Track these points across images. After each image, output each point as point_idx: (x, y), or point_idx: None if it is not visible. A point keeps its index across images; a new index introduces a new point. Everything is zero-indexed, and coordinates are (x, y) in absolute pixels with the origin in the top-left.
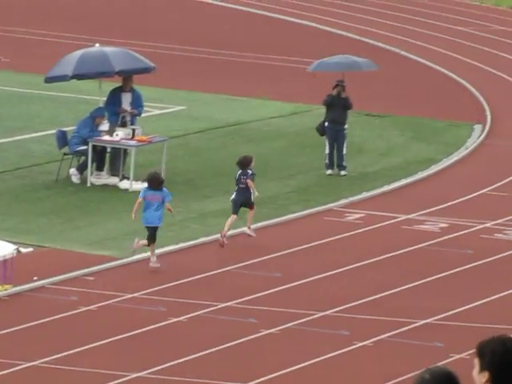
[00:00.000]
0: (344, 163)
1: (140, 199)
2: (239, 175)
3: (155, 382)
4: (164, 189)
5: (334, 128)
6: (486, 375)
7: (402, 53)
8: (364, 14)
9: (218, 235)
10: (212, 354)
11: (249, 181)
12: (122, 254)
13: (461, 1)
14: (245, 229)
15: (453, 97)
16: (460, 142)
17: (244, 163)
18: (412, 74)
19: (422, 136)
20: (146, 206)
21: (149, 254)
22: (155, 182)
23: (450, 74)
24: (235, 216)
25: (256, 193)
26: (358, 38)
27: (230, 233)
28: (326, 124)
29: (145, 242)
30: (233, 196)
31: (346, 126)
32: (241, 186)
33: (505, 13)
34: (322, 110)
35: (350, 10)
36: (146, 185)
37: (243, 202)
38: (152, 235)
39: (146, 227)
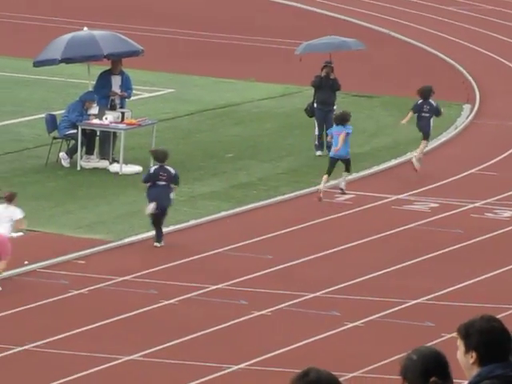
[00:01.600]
0: None
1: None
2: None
3: (147, 365)
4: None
5: (322, 109)
6: (473, 355)
7: (392, 33)
8: None
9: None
10: (204, 336)
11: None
12: (112, 237)
13: None
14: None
15: (442, 77)
16: (449, 121)
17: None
18: (401, 54)
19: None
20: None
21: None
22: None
23: (440, 55)
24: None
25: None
26: (345, 18)
27: (223, 214)
28: (315, 105)
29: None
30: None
31: (334, 107)
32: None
33: None
34: (312, 91)
35: None
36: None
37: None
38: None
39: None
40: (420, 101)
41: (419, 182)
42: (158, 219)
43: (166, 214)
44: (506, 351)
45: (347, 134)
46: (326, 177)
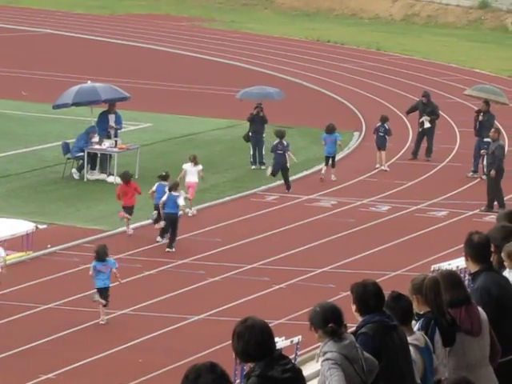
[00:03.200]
0: (263, 160)
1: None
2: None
3: (136, 317)
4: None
5: (255, 136)
6: (354, 306)
7: (304, 83)
8: (274, 55)
9: None
10: (176, 295)
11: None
12: (110, 227)
13: (349, 46)
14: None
15: (339, 113)
16: (344, 144)
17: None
18: (310, 98)
19: (318, 141)
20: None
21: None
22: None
23: (337, 97)
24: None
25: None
26: (270, 72)
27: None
28: (250, 134)
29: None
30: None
31: (264, 135)
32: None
33: (369, 52)
34: (247, 124)
35: (264, 53)
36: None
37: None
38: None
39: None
40: (277, 141)
41: (324, 186)
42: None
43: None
44: (379, 305)
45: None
46: (324, 167)
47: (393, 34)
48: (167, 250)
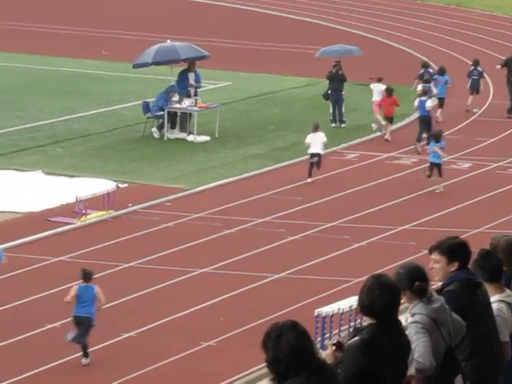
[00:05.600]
0: (343, 118)
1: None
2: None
3: (217, 275)
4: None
5: (334, 94)
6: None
7: (382, 40)
8: (351, 12)
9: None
10: (256, 254)
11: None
12: (189, 186)
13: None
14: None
15: (417, 70)
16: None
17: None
18: (389, 55)
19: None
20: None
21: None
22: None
23: (416, 54)
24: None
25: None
26: (348, 29)
27: (266, 169)
28: (329, 92)
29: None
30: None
31: (343, 93)
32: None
33: (449, 9)
34: (326, 82)
35: (342, 11)
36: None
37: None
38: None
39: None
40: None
41: (404, 143)
42: None
43: None
44: (465, 262)
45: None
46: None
47: None
48: None
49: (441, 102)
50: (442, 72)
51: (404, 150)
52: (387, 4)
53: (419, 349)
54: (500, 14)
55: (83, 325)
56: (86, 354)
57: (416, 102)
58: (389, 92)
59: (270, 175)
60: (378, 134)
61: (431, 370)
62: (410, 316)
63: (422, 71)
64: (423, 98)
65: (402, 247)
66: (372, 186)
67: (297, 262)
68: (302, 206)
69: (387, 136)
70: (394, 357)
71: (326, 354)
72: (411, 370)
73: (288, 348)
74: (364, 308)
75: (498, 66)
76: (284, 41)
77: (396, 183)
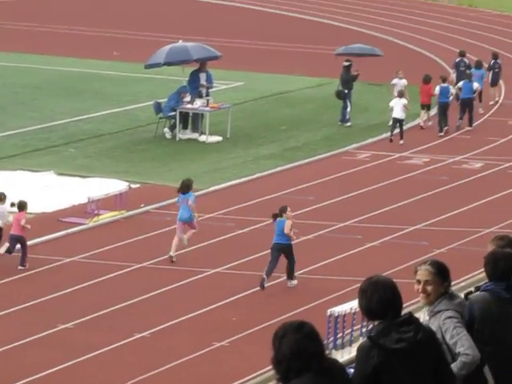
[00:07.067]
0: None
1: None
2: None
3: (228, 275)
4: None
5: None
6: None
7: (395, 41)
8: (364, 13)
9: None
10: (264, 254)
11: None
12: (201, 187)
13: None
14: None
15: (430, 70)
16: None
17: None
18: (402, 55)
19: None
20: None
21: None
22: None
23: (429, 54)
24: None
25: None
26: (361, 30)
27: (279, 169)
28: (346, 90)
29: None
30: None
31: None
32: None
33: (460, 9)
34: (338, 81)
35: (354, 11)
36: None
37: None
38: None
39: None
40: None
41: (416, 143)
42: None
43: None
44: (500, 274)
45: None
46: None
47: None
48: None
49: (479, 95)
50: (478, 65)
51: (416, 149)
52: (401, 4)
53: (464, 342)
54: (511, 13)
55: None
56: None
57: (453, 88)
58: (426, 80)
59: (282, 175)
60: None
61: (478, 361)
62: (429, 315)
63: (457, 60)
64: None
65: (414, 247)
66: (384, 186)
67: (309, 262)
68: (315, 206)
69: (422, 123)
70: (407, 353)
71: None
72: (457, 366)
73: (287, 350)
74: (363, 311)
75: None
76: (296, 41)
77: (408, 183)
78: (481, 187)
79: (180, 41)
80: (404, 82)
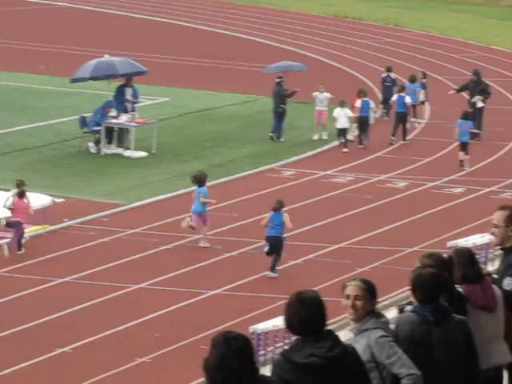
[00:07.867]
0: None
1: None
2: None
3: (151, 292)
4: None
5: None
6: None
7: (322, 59)
8: (292, 31)
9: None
10: (193, 270)
11: None
12: (125, 202)
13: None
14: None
15: (356, 89)
16: None
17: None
18: (328, 74)
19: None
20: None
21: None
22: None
23: (355, 73)
24: None
25: None
26: (288, 48)
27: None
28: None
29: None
30: None
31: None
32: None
33: (386, 28)
34: (265, 99)
35: (282, 29)
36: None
37: None
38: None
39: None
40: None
41: (340, 161)
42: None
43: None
44: (427, 297)
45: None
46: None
47: (411, 9)
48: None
49: (413, 109)
50: (412, 80)
51: (341, 167)
52: (328, 23)
53: (404, 362)
54: (437, 34)
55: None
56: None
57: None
58: (361, 93)
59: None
60: (317, 150)
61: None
62: (356, 333)
63: (384, 75)
64: (402, 95)
65: (337, 265)
66: (308, 204)
67: (233, 279)
68: (239, 223)
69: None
70: (320, 370)
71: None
72: None
73: (213, 361)
74: (286, 327)
75: (452, 92)
76: (222, 58)
77: (332, 201)
78: (404, 206)
79: (106, 55)
80: (326, 94)
